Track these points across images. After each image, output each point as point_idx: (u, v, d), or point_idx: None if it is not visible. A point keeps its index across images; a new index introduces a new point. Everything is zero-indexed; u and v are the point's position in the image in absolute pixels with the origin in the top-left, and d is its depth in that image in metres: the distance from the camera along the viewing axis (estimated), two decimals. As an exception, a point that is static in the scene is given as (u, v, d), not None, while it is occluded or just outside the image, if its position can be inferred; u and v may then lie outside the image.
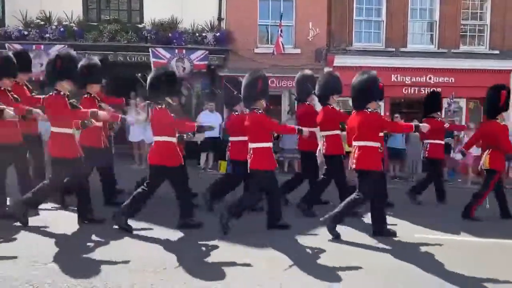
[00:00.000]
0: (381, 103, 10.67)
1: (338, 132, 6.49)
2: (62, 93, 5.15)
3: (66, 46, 11.57)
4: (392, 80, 13.07)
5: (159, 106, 5.27)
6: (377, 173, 5.33)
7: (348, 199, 5.37)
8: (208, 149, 10.94)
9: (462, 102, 13.68)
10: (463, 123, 12.71)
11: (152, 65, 11.71)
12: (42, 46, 11.85)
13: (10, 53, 6.09)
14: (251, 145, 5.40)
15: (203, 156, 10.97)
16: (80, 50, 12.27)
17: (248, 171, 5.52)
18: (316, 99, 6.86)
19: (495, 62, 13.51)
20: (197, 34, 12.72)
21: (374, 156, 5.25)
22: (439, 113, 8.17)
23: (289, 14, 13.21)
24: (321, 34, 13.18)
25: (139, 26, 12.78)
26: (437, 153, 7.79)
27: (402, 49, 13.51)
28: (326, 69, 13.04)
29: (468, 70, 13.25)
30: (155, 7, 12.65)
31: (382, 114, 13.22)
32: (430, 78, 13.34)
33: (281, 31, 12.42)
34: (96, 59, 6.45)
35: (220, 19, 13.12)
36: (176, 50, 12.32)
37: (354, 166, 5.34)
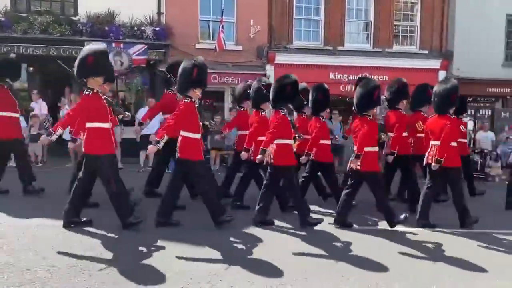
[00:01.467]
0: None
1: (406, 134, 7.15)
2: (193, 99, 5.34)
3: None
4: (331, 78, 13.46)
5: (283, 112, 5.78)
6: (458, 169, 6.01)
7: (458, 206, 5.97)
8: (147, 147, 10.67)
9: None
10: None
11: (87, 59, 11.26)
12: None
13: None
14: (366, 149, 5.70)
15: (142, 154, 10.67)
16: (9, 42, 11.62)
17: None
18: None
19: (424, 61, 14.35)
20: (135, 28, 12.39)
21: (455, 154, 5.87)
22: (464, 114, 8.76)
23: (231, 11, 13.20)
24: (263, 31, 13.31)
25: (73, 18, 12.23)
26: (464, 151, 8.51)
27: (340, 48, 13.96)
28: (268, 66, 13.28)
29: (401, 68, 13.90)
30: (90, -1, 12.16)
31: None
32: (366, 76, 13.86)
33: (222, 27, 12.40)
34: None
35: (159, 13, 12.86)
36: (114, 44, 11.91)
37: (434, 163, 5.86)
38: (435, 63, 14.44)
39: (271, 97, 5.86)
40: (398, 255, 4.87)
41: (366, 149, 5.66)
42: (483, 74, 13.97)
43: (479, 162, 11.56)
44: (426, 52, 14.53)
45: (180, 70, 5.38)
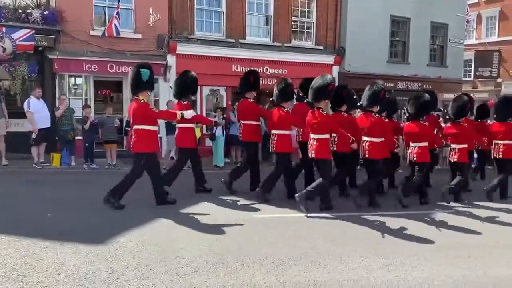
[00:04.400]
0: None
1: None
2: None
3: None
4: (233, 70, 13.53)
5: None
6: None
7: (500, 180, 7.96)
8: (41, 141, 9.83)
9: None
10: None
11: (-39, 42, 9.97)
12: None
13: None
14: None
15: (34, 150, 9.76)
16: None
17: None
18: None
19: (320, 56, 15.19)
20: (20, 11, 11.20)
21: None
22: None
23: (128, -3, 12.55)
24: (163, 20, 12.85)
25: None
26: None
27: (242, 41, 14.11)
28: (169, 57, 12.94)
29: (298, 62, 14.55)
30: (-37, -25, 10.72)
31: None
32: (266, 69, 14.24)
33: (117, 13, 11.71)
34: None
35: (48, -5, 11.79)
36: (-6, 28, 10.67)
37: (500, 156, 7.90)
38: (329, 59, 15.36)
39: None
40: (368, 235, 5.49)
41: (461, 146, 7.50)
42: (371, 70, 15.22)
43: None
44: (321, 48, 15.36)
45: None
